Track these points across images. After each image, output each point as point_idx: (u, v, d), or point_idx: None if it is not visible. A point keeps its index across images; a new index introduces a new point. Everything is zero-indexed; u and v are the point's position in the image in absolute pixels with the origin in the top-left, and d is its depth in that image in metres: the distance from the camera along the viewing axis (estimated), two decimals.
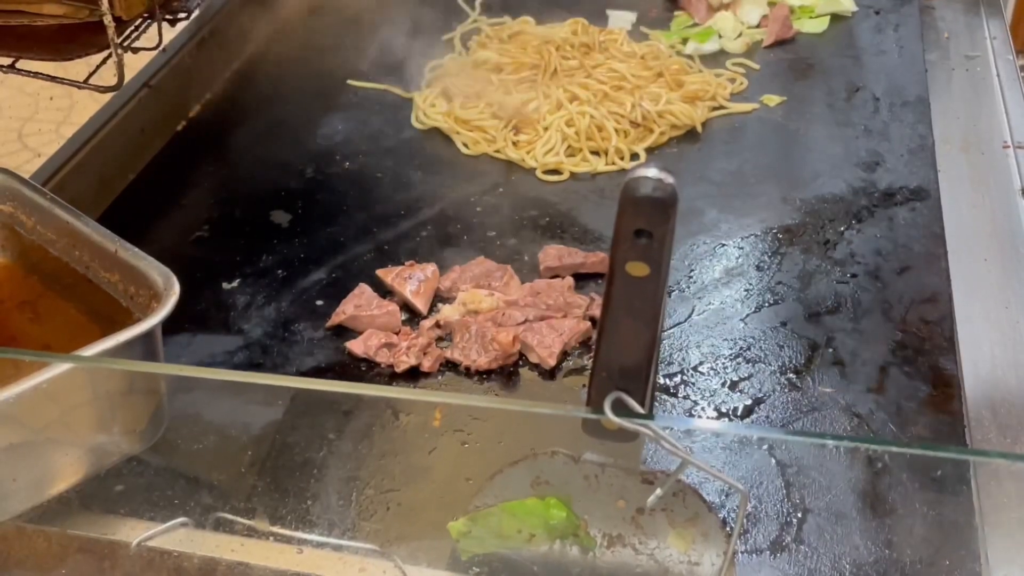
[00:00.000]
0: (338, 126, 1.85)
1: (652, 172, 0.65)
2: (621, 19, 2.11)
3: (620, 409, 0.78)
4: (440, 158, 1.76)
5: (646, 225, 0.66)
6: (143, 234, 1.54)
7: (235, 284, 1.49)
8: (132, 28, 1.28)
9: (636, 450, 0.87)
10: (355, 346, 1.37)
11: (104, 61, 1.28)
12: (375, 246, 1.55)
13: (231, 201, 1.66)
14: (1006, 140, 1.81)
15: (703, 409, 1.28)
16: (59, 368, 0.97)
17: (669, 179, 0.65)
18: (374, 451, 1.22)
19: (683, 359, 1.35)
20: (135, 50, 1.30)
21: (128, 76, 1.44)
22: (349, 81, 1.96)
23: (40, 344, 1.15)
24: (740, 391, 1.30)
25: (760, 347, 1.36)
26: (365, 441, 1.24)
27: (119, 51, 1.19)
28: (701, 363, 1.34)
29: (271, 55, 2.05)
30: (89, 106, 1.77)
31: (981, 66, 2.04)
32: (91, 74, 1.29)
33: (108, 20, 1.14)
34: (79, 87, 1.28)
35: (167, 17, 1.33)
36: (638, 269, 0.69)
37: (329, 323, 1.41)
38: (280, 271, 1.51)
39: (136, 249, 1.11)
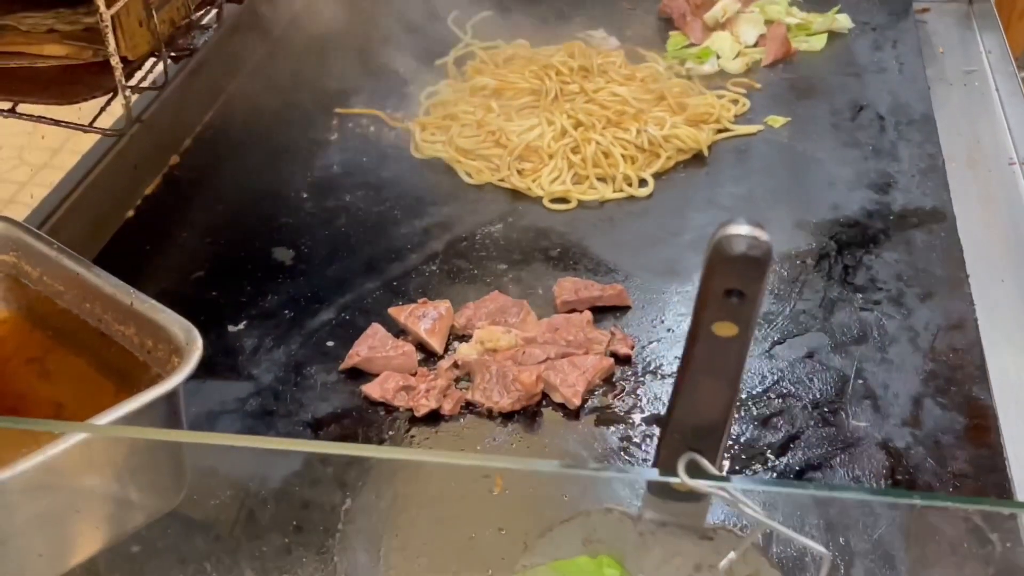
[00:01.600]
0: (335, 157, 1.80)
1: (745, 229, 0.61)
2: (603, 43, 2.07)
3: (694, 470, 0.75)
4: (443, 188, 1.72)
5: (738, 284, 0.62)
6: (141, 276, 1.49)
7: (241, 326, 1.44)
8: (137, 68, 1.23)
9: (701, 508, 0.83)
10: (372, 390, 1.32)
11: (108, 103, 1.23)
12: (383, 283, 1.51)
13: (230, 238, 1.61)
14: (1012, 157, 1.79)
15: (738, 447, 1.24)
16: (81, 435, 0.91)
17: (764, 236, 0.61)
18: (404, 503, 1.18)
19: None
20: (141, 90, 1.24)
21: (120, 112, 1.40)
22: (337, 110, 1.92)
23: (52, 403, 1.09)
24: (773, 427, 1.26)
25: (789, 380, 1.33)
26: (390, 490, 1.19)
27: (127, 93, 1.14)
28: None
29: (260, 85, 2.00)
30: (78, 145, 1.71)
31: (979, 80, 2.03)
32: (96, 116, 1.24)
33: (115, 61, 1.09)
34: (84, 131, 1.22)
35: (172, 55, 1.28)
36: (726, 329, 0.65)
37: (343, 365, 1.37)
38: (287, 311, 1.46)
39: (153, 301, 1.06)
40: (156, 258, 1.57)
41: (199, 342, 1.01)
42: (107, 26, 1.07)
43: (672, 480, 0.75)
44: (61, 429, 0.90)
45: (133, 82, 1.21)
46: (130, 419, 0.95)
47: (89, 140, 1.64)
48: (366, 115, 1.90)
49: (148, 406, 0.96)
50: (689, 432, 0.74)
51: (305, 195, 1.70)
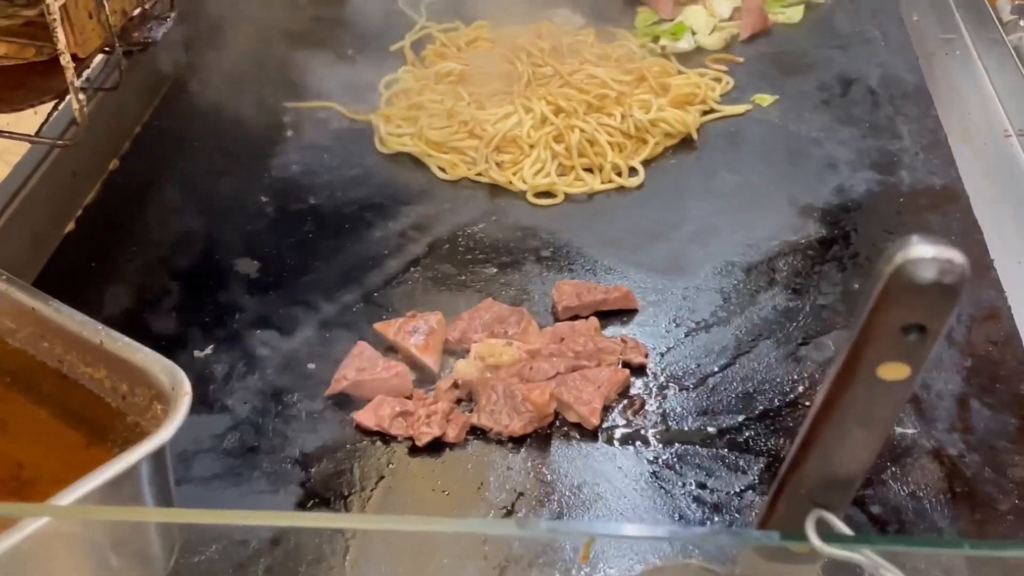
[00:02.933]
0: (292, 156, 1.65)
1: (933, 250, 0.48)
2: (569, 22, 1.94)
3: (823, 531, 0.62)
4: (415, 185, 1.58)
5: (923, 319, 0.50)
6: (87, 298, 1.33)
7: (208, 351, 1.29)
8: (87, 66, 1.07)
9: (813, 568, 0.71)
10: (365, 418, 1.18)
11: (56, 108, 1.07)
12: (363, 294, 1.37)
13: (185, 251, 1.45)
14: (1007, 129, 1.70)
15: (776, 464, 1.12)
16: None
17: (959, 258, 0.49)
18: (413, 548, 1.04)
19: (745, 406, 1.19)
20: (96, 91, 1.08)
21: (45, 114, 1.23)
22: (288, 104, 1.76)
23: (10, 461, 0.94)
24: None
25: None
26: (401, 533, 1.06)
27: (80, 96, 0.98)
28: (768, 410, 1.18)
29: (200, 80, 1.83)
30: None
31: (960, 49, 1.93)
32: (44, 124, 1.08)
33: (66, 60, 0.93)
34: (31, 142, 1.06)
35: (128, 50, 1.11)
36: (894, 372, 0.53)
37: (329, 391, 1.22)
38: (258, 331, 1.31)
39: (127, 339, 0.91)
40: (103, 277, 1.41)
41: (187, 386, 0.87)
42: (55, 19, 0.91)
43: (798, 544, 0.63)
44: (29, 513, 0.75)
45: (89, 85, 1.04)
46: (115, 484, 0.80)
47: (17, 149, 1.46)
48: (321, 109, 1.75)
49: (135, 467, 0.81)
50: (818, 487, 0.62)
51: (264, 199, 1.55)
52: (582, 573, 0.99)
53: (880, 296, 0.50)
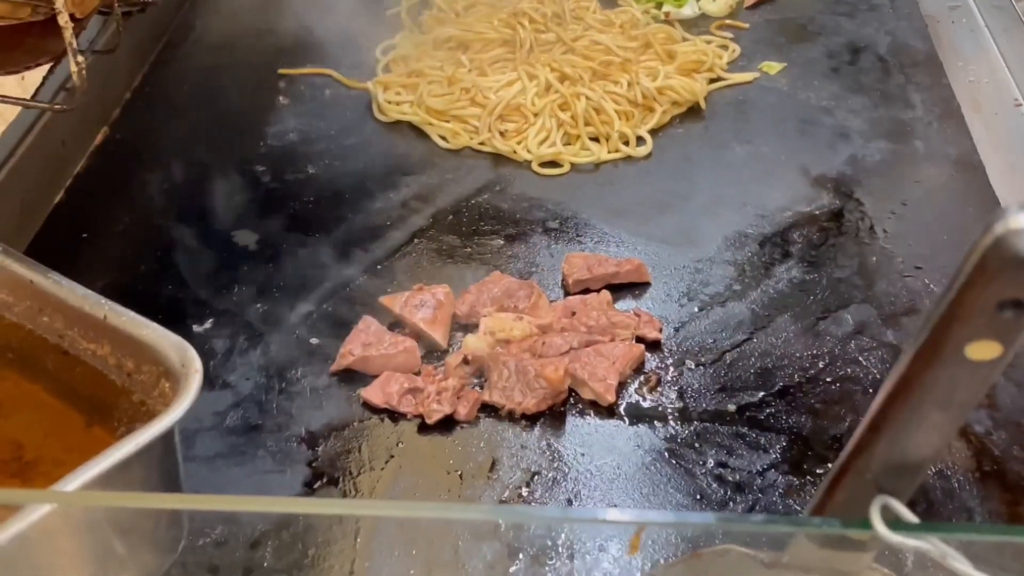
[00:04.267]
0: (288, 123, 1.60)
1: None
2: None
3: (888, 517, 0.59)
4: (416, 155, 1.53)
5: (1022, 294, 0.46)
6: (79, 269, 1.27)
7: (208, 326, 1.24)
8: (84, 27, 1.02)
9: (867, 557, 0.68)
10: (372, 394, 1.14)
11: (52, 70, 1.01)
12: (366, 267, 1.32)
13: (181, 221, 1.40)
14: (1016, 98, 1.67)
15: (801, 442, 1.09)
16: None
17: None
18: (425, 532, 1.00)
19: (764, 382, 1.16)
20: (95, 53, 1.03)
21: (37, 81, 1.18)
22: (282, 71, 1.71)
23: (9, 442, 0.89)
24: (836, 417, 1.12)
25: (842, 361, 1.18)
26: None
27: (79, 57, 0.93)
28: (788, 387, 1.15)
29: (191, 46, 1.78)
30: None
31: (966, 17, 1.90)
32: (39, 87, 1.03)
33: (64, 19, 0.88)
34: (26, 106, 1.01)
35: (126, 10, 1.06)
36: (985, 351, 0.49)
37: (334, 367, 1.18)
38: (259, 305, 1.27)
39: (132, 313, 0.87)
40: (95, 248, 1.36)
41: (197, 363, 0.83)
42: None
43: (862, 532, 0.60)
44: (39, 499, 0.71)
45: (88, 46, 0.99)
46: (122, 467, 0.76)
47: (8, 112, 1.41)
48: (317, 75, 1.70)
49: (144, 449, 0.77)
50: (885, 472, 0.58)
51: (261, 168, 1.50)
52: (603, 554, 0.96)
53: (975, 270, 0.47)
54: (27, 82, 1.25)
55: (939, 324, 0.49)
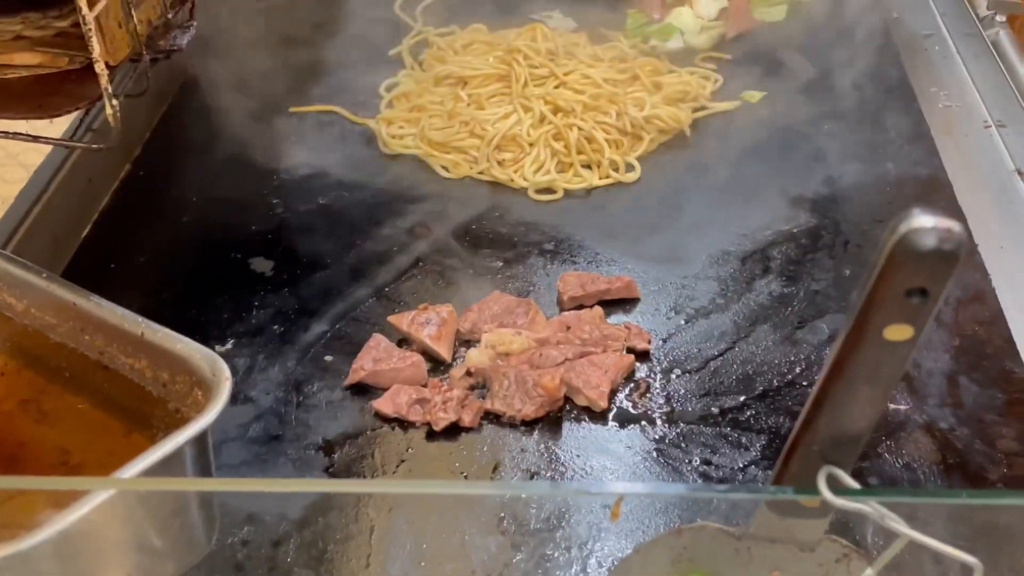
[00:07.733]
0: (298, 158, 1.70)
1: (933, 220, 0.55)
2: (561, 25, 2.00)
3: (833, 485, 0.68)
4: (419, 185, 1.63)
5: (926, 283, 0.56)
6: (108, 296, 1.35)
7: (229, 346, 1.34)
8: (116, 73, 1.12)
9: (821, 524, 0.77)
10: (384, 405, 1.24)
11: (87, 113, 1.12)
12: (374, 289, 1.42)
13: (201, 251, 1.50)
14: (986, 120, 1.76)
15: (778, 442, 1.18)
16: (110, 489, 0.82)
17: (957, 227, 0.55)
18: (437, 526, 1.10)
19: (745, 387, 1.25)
20: (129, 97, 1.14)
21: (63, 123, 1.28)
22: (292, 109, 1.82)
23: (56, 448, 0.99)
24: None
25: (819, 366, 1.28)
26: (422, 511, 1.11)
27: (114, 101, 1.03)
28: (767, 391, 1.25)
29: (205, 87, 1.88)
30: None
31: (939, 44, 2.00)
32: (76, 128, 1.13)
33: (100, 68, 0.99)
34: (67, 146, 1.11)
35: (154, 57, 1.17)
36: (899, 333, 0.59)
37: (347, 381, 1.28)
38: (276, 327, 1.37)
39: (166, 330, 0.97)
40: (122, 277, 1.46)
41: (226, 372, 0.92)
42: (91, 29, 0.96)
43: (810, 497, 0.69)
44: (90, 486, 0.81)
45: (121, 91, 1.10)
46: (161, 466, 0.85)
47: (34, 152, 1.51)
48: (324, 112, 1.80)
49: (180, 449, 0.86)
50: (829, 444, 0.68)
51: (275, 200, 1.60)
52: (598, 544, 1.05)
53: (886, 263, 0.56)
54: (55, 124, 1.36)
55: (861, 311, 0.59)
